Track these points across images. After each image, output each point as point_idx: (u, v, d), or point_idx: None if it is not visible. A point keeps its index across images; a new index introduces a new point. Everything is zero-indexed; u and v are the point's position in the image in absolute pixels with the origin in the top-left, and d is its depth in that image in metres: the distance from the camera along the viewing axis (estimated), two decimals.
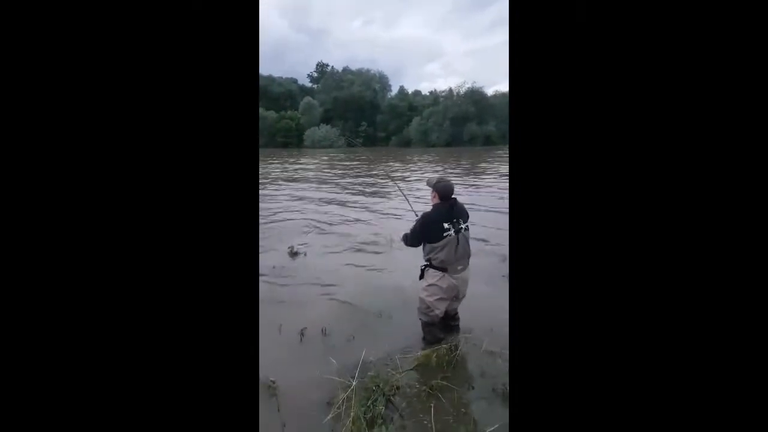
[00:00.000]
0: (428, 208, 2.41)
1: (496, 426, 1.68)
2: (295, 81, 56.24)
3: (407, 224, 3.17)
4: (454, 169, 15.20)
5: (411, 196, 6.30)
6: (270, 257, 4.27)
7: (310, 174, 14.61)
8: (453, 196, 2.35)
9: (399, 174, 13.75)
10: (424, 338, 2.47)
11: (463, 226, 2.32)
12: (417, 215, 2.50)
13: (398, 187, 4.28)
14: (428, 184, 2.45)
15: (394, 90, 50.61)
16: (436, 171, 14.64)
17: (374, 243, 4.89)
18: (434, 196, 2.37)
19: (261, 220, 6.27)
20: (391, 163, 18.63)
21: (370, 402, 1.77)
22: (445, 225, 2.25)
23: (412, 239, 2.42)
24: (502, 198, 7.93)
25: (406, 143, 40.50)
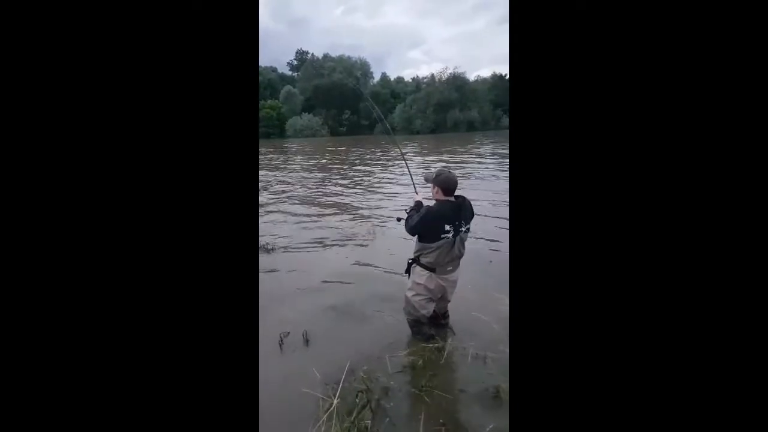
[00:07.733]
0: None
1: (491, 426, 1.60)
2: (274, 69, 54.50)
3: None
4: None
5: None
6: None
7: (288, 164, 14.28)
8: (460, 194, 2.06)
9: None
10: (414, 336, 2.34)
11: (464, 228, 2.04)
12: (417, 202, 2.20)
13: (408, 168, 2.97)
14: (426, 179, 2.09)
15: (377, 77, 49.90)
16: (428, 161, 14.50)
17: (354, 235, 4.76)
18: (436, 192, 2.03)
19: None
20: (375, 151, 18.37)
21: (354, 417, 1.65)
22: (446, 227, 1.97)
23: (410, 229, 2.08)
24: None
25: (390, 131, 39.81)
